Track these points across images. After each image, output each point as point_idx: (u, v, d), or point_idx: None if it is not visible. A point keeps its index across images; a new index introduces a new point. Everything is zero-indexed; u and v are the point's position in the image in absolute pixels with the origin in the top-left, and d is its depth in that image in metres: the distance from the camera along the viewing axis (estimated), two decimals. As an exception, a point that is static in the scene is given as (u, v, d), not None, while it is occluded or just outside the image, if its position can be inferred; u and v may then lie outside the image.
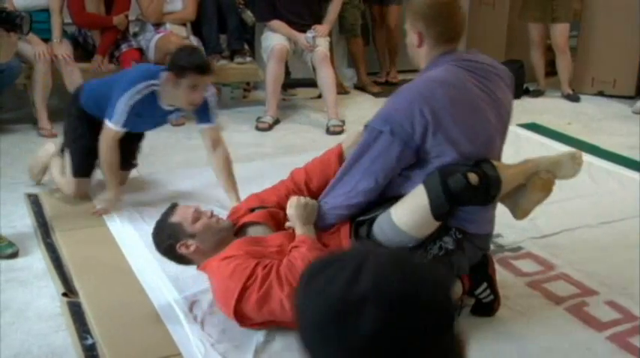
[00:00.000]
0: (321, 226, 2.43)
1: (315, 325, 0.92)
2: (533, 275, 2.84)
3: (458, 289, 2.46)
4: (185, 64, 3.12)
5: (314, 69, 5.04)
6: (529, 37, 5.78)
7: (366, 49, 6.12)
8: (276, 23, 5.01)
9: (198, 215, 2.48)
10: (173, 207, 2.55)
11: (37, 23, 4.55)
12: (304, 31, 4.98)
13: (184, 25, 5.15)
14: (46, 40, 4.64)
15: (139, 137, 3.65)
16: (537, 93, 5.92)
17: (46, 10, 4.66)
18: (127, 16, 4.84)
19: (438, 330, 0.91)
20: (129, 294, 2.66)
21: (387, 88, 6.04)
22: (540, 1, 5.59)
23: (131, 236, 3.14)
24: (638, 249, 3.04)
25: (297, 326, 0.96)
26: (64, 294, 2.66)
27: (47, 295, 2.69)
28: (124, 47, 4.84)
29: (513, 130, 4.86)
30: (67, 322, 2.49)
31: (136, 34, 5.03)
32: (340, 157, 2.61)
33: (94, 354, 2.31)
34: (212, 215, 2.52)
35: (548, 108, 5.56)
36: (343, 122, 4.93)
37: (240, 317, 2.30)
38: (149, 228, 3.03)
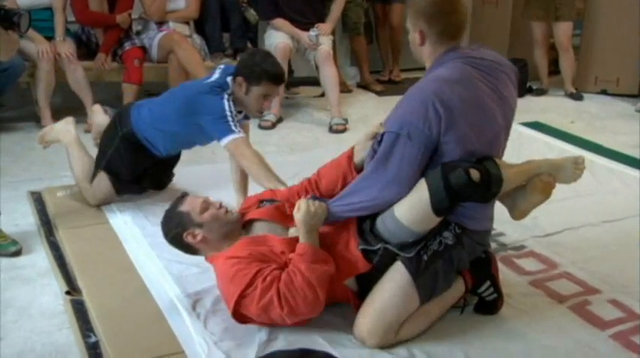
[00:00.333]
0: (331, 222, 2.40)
1: None
2: (536, 274, 2.84)
3: (461, 287, 2.47)
4: (260, 72, 3.00)
5: (317, 67, 5.04)
6: (532, 35, 5.78)
7: (369, 48, 6.12)
8: (279, 21, 5.01)
9: (206, 205, 2.48)
10: (182, 197, 2.55)
11: (40, 21, 4.57)
12: (307, 30, 4.98)
13: (187, 23, 5.15)
14: (50, 38, 4.65)
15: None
16: (540, 92, 5.92)
17: (49, 9, 4.67)
18: (130, 15, 4.84)
19: None
20: (132, 292, 2.66)
21: (390, 86, 6.05)
22: (543, 0, 5.59)
23: (134, 234, 3.14)
24: (641, 247, 3.04)
25: None
26: (68, 292, 2.66)
27: (50, 293, 2.70)
28: (127, 45, 4.84)
29: (516, 129, 4.84)
30: (71, 320, 2.49)
31: (139, 33, 5.03)
32: (350, 159, 2.59)
33: (97, 352, 2.31)
34: (221, 206, 2.50)
35: (551, 107, 5.56)
36: (346, 120, 4.93)
37: (240, 318, 2.32)
38: (152, 226, 3.06)
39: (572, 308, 2.58)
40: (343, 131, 4.81)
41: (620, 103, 5.69)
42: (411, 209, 2.25)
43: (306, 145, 4.56)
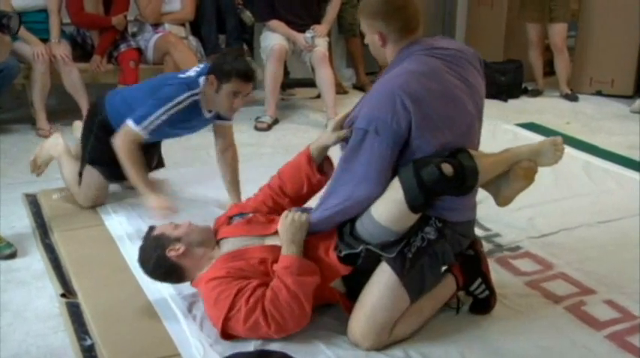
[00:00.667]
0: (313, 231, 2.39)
1: None
2: (532, 275, 2.84)
3: (452, 284, 2.46)
4: (230, 69, 3.03)
5: (313, 69, 5.04)
6: (527, 37, 5.79)
7: (365, 49, 6.10)
8: (275, 23, 5.01)
9: (176, 224, 2.53)
10: (150, 229, 2.57)
11: (36, 23, 4.57)
12: (303, 31, 4.98)
13: (183, 25, 5.15)
14: (45, 40, 4.64)
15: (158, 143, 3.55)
16: (536, 93, 5.92)
17: (44, 11, 4.67)
18: (125, 17, 4.84)
19: None
20: (128, 295, 2.65)
21: (385, 87, 6.04)
22: (538, 2, 5.60)
23: (130, 236, 3.13)
24: (636, 248, 3.04)
25: None
26: (63, 295, 2.66)
27: (46, 296, 2.69)
28: (122, 47, 4.84)
29: (512, 129, 4.90)
30: (66, 323, 2.49)
31: (134, 35, 5.03)
32: (309, 158, 2.60)
33: (92, 355, 2.31)
34: (190, 224, 2.54)
35: (546, 108, 5.56)
36: (342, 122, 4.92)
37: (230, 337, 2.32)
38: (147, 226, 3.04)
39: (568, 309, 2.59)
40: (339, 132, 4.81)
41: (615, 104, 5.70)
42: (388, 208, 2.22)
43: (302, 147, 4.44)
